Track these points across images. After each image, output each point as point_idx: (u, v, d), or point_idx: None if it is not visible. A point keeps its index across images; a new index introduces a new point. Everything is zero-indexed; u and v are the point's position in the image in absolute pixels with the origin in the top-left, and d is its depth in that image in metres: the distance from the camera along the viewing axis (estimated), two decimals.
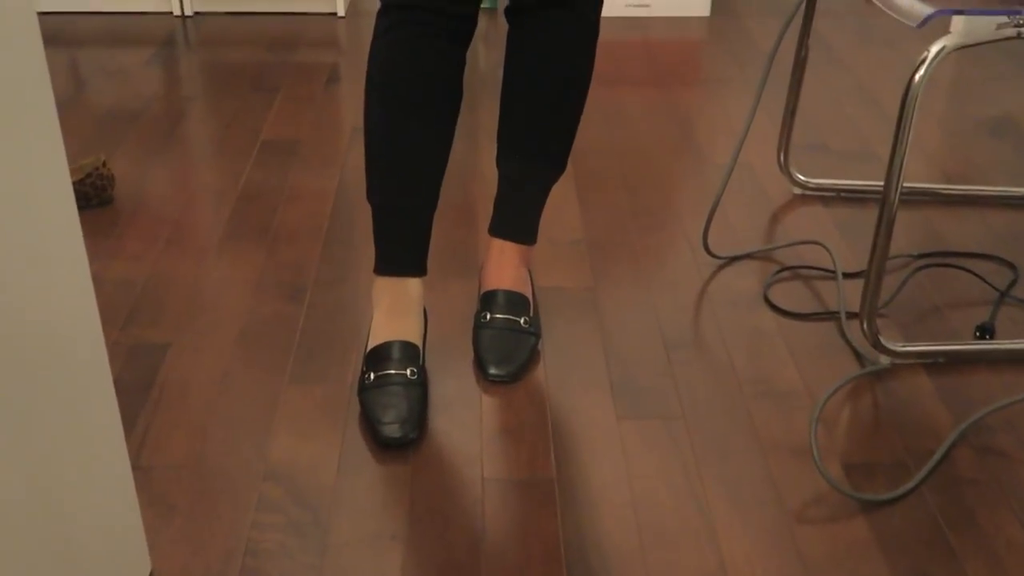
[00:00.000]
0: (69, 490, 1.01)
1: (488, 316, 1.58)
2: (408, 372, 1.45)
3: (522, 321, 1.58)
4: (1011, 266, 1.87)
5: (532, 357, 1.59)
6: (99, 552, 1.09)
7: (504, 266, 1.62)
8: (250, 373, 1.56)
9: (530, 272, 1.67)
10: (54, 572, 0.97)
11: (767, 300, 1.76)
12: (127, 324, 1.67)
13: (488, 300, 1.60)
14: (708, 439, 1.45)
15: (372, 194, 1.47)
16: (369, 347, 1.49)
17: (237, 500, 1.33)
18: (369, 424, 1.43)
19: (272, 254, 1.87)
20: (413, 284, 1.51)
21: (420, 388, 1.46)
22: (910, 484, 1.37)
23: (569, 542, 1.28)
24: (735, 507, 1.34)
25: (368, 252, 1.87)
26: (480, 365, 1.55)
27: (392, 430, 1.40)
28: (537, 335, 1.60)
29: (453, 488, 1.36)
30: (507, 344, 1.56)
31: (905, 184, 2.13)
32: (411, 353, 1.47)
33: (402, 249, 1.49)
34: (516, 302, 1.59)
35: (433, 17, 1.36)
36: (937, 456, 1.41)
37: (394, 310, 1.50)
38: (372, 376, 1.45)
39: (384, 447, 1.42)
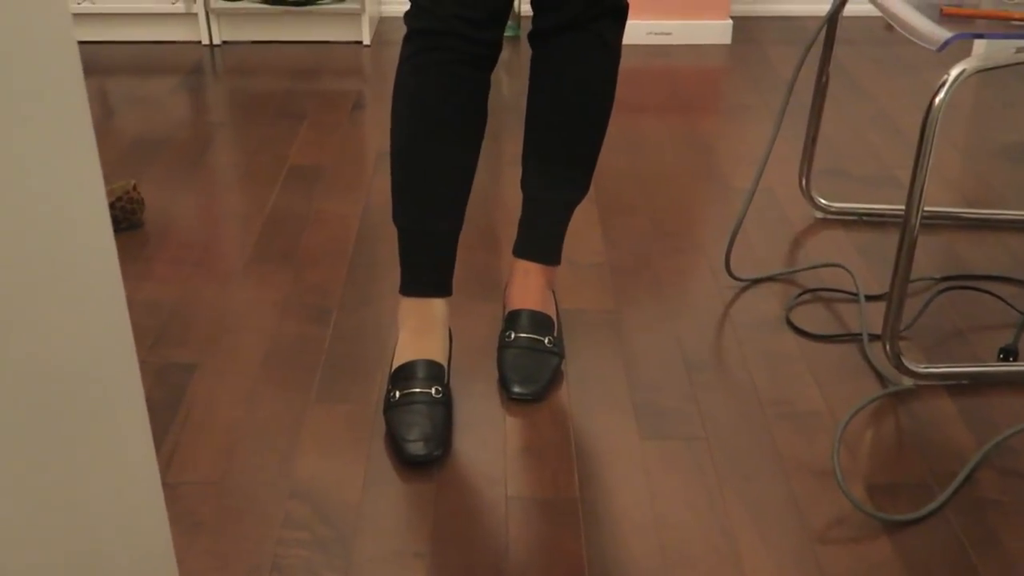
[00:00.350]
0: (100, 506, 1.03)
1: (512, 335, 1.59)
2: (433, 391, 1.47)
3: (546, 341, 1.59)
4: None
5: (556, 377, 1.60)
6: (128, 567, 1.11)
7: (528, 287, 1.63)
8: (276, 393, 1.58)
9: (554, 293, 1.69)
10: None
11: (789, 322, 1.77)
12: (155, 344, 1.70)
13: (513, 320, 1.61)
14: (730, 460, 1.46)
15: (398, 216, 1.49)
16: (394, 366, 1.51)
17: (263, 517, 1.35)
18: (394, 442, 1.44)
19: (298, 277, 1.89)
20: (438, 305, 1.53)
21: (444, 407, 1.47)
22: (933, 505, 1.36)
23: (592, 561, 1.28)
24: (757, 527, 1.34)
25: (392, 275, 1.90)
26: (504, 384, 1.56)
27: (416, 448, 1.41)
28: (561, 355, 1.61)
29: (477, 507, 1.37)
30: (531, 363, 1.57)
31: (926, 208, 2.13)
32: (436, 372, 1.49)
33: (428, 270, 1.51)
34: (540, 322, 1.61)
35: (458, 43, 1.39)
36: (960, 477, 1.41)
37: (420, 330, 1.52)
38: (397, 394, 1.47)
39: (409, 465, 1.43)
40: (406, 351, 1.51)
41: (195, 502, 1.37)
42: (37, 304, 0.89)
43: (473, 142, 1.46)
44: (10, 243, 0.84)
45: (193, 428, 1.51)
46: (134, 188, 2.03)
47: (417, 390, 1.46)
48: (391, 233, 2.05)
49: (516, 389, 1.55)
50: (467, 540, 1.31)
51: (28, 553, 0.87)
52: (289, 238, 2.03)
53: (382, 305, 1.80)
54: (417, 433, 1.42)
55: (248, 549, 1.30)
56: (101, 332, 1.02)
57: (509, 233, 2.05)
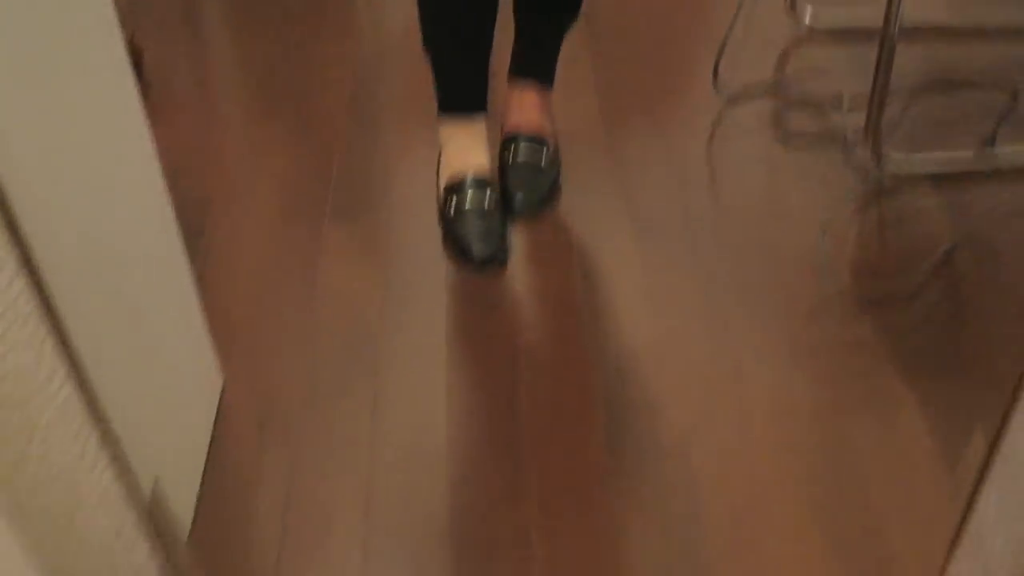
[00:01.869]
0: (150, 319, 1.13)
1: (511, 155, 1.66)
2: (487, 198, 1.56)
3: (543, 159, 1.67)
4: (1014, 94, 1.93)
5: (554, 192, 1.68)
6: (178, 369, 1.21)
7: (524, 107, 1.69)
8: (292, 218, 1.67)
9: (550, 114, 1.75)
10: (143, 387, 1.09)
11: (776, 129, 1.84)
12: (170, 184, 1.77)
13: (510, 140, 1.68)
14: (721, 255, 1.55)
15: (430, 41, 1.54)
16: (446, 181, 1.59)
17: (295, 323, 1.45)
18: (459, 250, 1.53)
19: (301, 113, 1.95)
20: (478, 120, 1.61)
21: (501, 213, 1.57)
22: (914, 281, 1.46)
23: (596, 346, 1.39)
24: (748, 310, 1.44)
25: (396, 105, 1.95)
26: (506, 200, 1.64)
27: (482, 249, 1.51)
28: (558, 171, 1.69)
29: (490, 303, 1.47)
30: (530, 179, 1.65)
31: (910, 15, 2.17)
32: (489, 181, 1.58)
33: (471, 88, 1.58)
34: (537, 140, 1.68)
35: None
36: (938, 256, 1.50)
37: (465, 145, 1.60)
38: (454, 206, 1.56)
39: (478, 269, 1.52)
40: (455, 165, 1.59)
41: (229, 315, 1.47)
42: (73, 148, 0.96)
43: None
44: (45, 93, 0.91)
45: (218, 253, 1.60)
46: (133, 37, 2.07)
47: (474, 199, 1.55)
48: (392, 67, 2.10)
49: (518, 205, 1.63)
50: (483, 333, 1.42)
51: (108, 358, 0.97)
52: (290, 75, 2.08)
53: (388, 133, 1.87)
54: (481, 237, 1.52)
55: (283, 351, 1.40)
56: (130, 160, 1.09)
57: (503, 63, 2.10)
